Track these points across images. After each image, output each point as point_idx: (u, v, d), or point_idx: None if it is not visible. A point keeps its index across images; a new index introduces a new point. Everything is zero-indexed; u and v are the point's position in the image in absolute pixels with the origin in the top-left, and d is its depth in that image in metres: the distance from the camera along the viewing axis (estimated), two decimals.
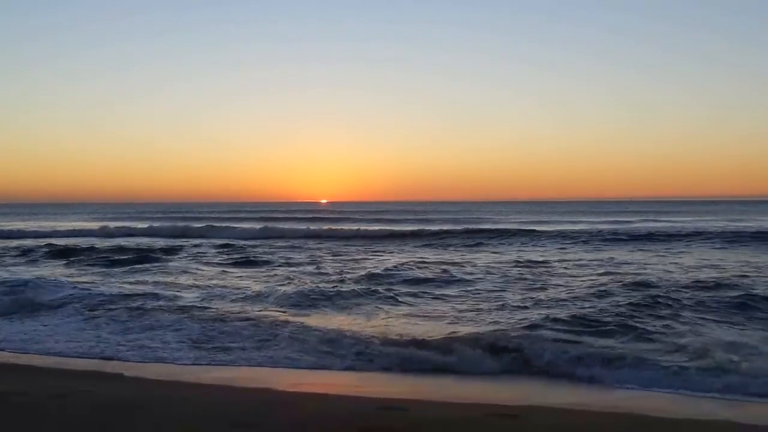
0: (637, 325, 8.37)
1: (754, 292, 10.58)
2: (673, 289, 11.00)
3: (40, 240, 26.84)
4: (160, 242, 25.94)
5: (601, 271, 14.81)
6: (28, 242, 26.05)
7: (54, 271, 16.20)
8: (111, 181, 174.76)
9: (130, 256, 19.08)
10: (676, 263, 16.21)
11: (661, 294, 10.40)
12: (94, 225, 40.50)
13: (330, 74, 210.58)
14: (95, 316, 9.65)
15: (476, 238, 26.11)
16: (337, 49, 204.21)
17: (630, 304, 9.62)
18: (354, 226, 36.34)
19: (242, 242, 25.86)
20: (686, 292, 10.64)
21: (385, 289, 11.82)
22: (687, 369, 6.40)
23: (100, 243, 25.64)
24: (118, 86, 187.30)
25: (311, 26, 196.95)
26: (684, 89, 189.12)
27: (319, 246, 23.89)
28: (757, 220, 40.64)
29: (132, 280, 14.15)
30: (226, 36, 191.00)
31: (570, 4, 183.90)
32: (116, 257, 18.99)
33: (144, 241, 27.00)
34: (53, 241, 25.85)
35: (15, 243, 25.40)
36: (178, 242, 25.74)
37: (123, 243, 25.54)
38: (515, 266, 15.86)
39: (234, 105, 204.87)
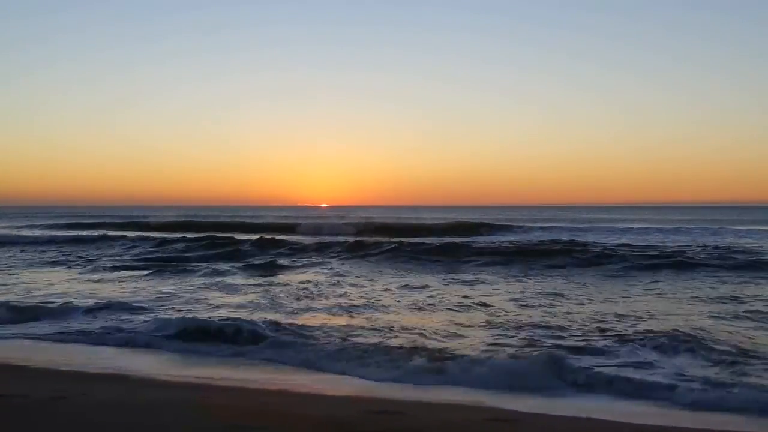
0: None
1: None
2: None
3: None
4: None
5: None
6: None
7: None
8: (112, 183, 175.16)
9: None
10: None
11: None
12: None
13: (329, 79, 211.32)
14: None
15: None
16: (337, 54, 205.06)
17: None
18: None
19: None
20: None
21: None
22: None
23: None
24: (120, 89, 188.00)
25: (310, 32, 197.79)
26: (678, 93, 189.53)
27: None
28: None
29: None
30: (225, 41, 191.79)
31: (564, 7, 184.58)
32: None
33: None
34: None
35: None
36: None
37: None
38: None
39: (233, 109, 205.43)
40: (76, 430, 4.35)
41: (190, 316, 9.86)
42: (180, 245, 24.20)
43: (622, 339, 8.15)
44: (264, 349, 7.88)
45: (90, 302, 11.28)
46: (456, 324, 9.30)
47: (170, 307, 11.00)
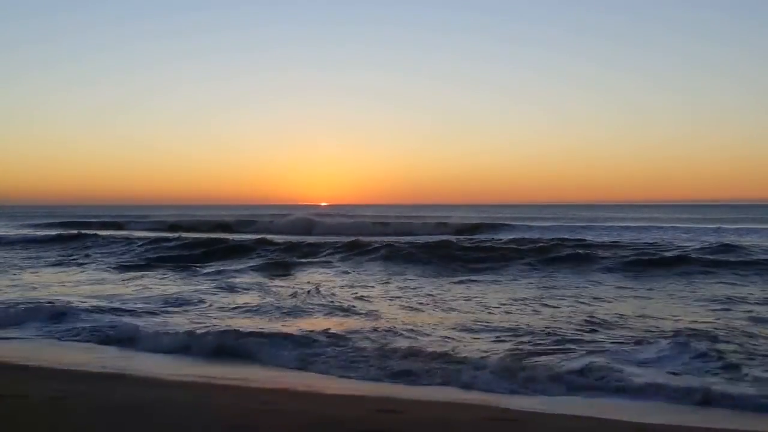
0: None
1: None
2: None
3: None
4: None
5: None
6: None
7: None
8: (111, 183, 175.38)
9: None
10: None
11: None
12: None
13: (329, 79, 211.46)
14: None
15: None
16: (337, 54, 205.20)
17: None
18: None
19: None
20: None
21: None
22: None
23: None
24: (119, 89, 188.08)
25: (310, 32, 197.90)
26: (677, 92, 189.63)
27: None
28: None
29: None
30: (225, 41, 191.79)
31: (563, 7, 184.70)
32: None
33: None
34: None
35: None
36: None
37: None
38: None
39: (233, 109, 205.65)
40: (75, 430, 4.35)
41: (198, 323, 9.87)
42: (181, 244, 24.17)
43: (623, 337, 8.17)
44: (265, 349, 7.86)
45: (91, 302, 11.28)
46: (456, 324, 9.30)
47: (175, 308, 10.96)
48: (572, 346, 7.68)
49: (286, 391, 6.15)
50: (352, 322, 9.55)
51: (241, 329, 8.61)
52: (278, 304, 11.18)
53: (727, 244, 20.36)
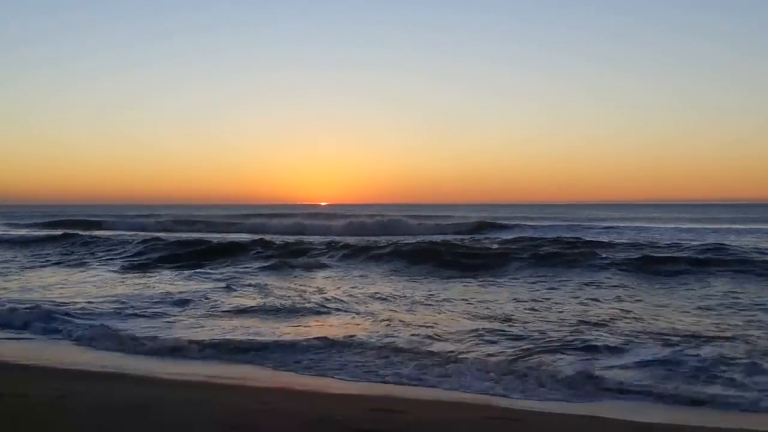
0: None
1: None
2: None
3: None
4: None
5: None
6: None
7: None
8: (111, 182, 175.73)
9: None
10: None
11: None
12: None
13: (329, 79, 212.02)
14: None
15: None
16: (337, 54, 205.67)
17: None
18: None
19: None
20: None
21: None
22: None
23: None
24: (119, 89, 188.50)
25: (311, 31, 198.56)
26: (678, 92, 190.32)
27: None
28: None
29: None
30: (225, 41, 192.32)
31: (563, 7, 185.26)
32: None
33: None
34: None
35: None
36: None
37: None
38: None
39: (233, 108, 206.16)
40: (75, 430, 4.36)
41: (199, 323, 9.85)
42: (182, 244, 24.00)
43: (622, 337, 8.18)
44: (266, 351, 7.86)
45: (92, 302, 11.29)
46: (456, 324, 9.32)
47: (176, 308, 10.93)
48: (572, 346, 7.69)
49: (285, 390, 6.17)
50: (351, 322, 9.57)
51: (240, 328, 8.64)
52: (278, 303, 11.19)
53: (726, 244, 20.37)
